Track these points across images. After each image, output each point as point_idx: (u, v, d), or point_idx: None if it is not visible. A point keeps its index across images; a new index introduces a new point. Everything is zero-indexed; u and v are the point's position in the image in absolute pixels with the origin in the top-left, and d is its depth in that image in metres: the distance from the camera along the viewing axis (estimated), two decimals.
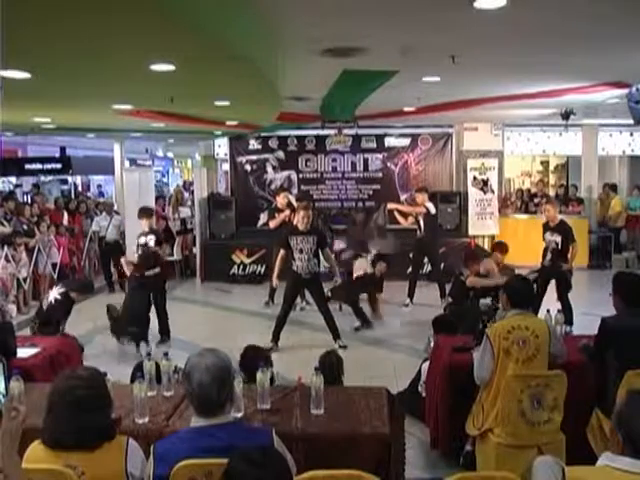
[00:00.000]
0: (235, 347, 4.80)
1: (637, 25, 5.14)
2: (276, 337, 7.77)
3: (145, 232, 8.40)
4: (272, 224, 10.16)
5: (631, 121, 8.33)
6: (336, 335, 7.85)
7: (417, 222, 10.14)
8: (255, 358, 4.27)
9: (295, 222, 8.06)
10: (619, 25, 5.16)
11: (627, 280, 4.39)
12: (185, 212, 14.00)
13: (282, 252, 7.90)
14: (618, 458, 2.25)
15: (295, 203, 10.38)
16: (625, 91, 8.05)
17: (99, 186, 24.06)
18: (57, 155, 17.85)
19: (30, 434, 2.69)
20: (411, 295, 10.11)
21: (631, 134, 15.51)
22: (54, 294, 7.46)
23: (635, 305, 4.20)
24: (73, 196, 18.59)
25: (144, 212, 8.65)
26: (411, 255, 10.59)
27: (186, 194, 17.03)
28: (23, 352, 4.94)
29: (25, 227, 10.83)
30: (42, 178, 18.79)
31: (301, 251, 7.67)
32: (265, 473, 2.11)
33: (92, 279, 10.66)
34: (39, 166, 16.53)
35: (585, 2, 4.50)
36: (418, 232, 10.16)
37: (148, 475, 2.52)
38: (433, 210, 10.08)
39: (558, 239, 8.05)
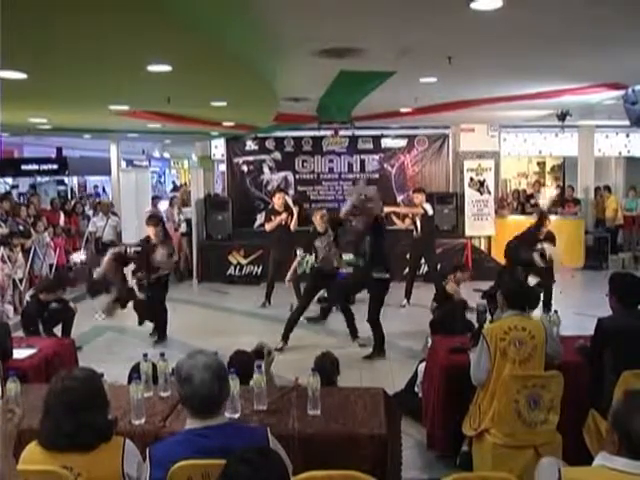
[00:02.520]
0: (232, 348, 4.79)
1: (634, 27, 5.15)
2: (286, 337, 7.90)
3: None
4: (268, 227, 10.15)
5: (627, 122, 8.34)
6: (354, 334, 8.04)
7: (414, 223, 10.15)
8: (244, 363, 4.21)
9: (315, 225, 8.24)
10: (616, 27, 5.17)
11: (623, 281, 4.40)
12: (188, 214, 13.76)
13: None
14: (614, 458, 2.25)
15: (292, 204, 10.40)
16: (621, 92, 8.06)
17: (95, 187, 24.02)
18: (53, 156, 17.82)
19: (27, 435, 2.69)
20: (408, 296, 10.12)
21: (627, 135, 15.53)
22: (26, 297, 7.54)
23: (631, 305, 4.22)
24: (69, 197, 18.56)
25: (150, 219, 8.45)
26: (408, 256, 10.59)
27: None
28: (19, 353, 4.94)
29: (21, 228, 10.81)
30: (38, 179, 18.77)
31: (325, 248, 8.02)
32: (263, 475, 2.11)
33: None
34: (35, 167, 16.51)
35: (582, 4, 4.51)
36: (415, 233, 10.17)
37: (145, 478, 2.51)
38: (430, 211, 10.09)
39: (547, 245, 8.86)
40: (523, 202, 14.83)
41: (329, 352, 5.34)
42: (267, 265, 10.79)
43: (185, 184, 21.02)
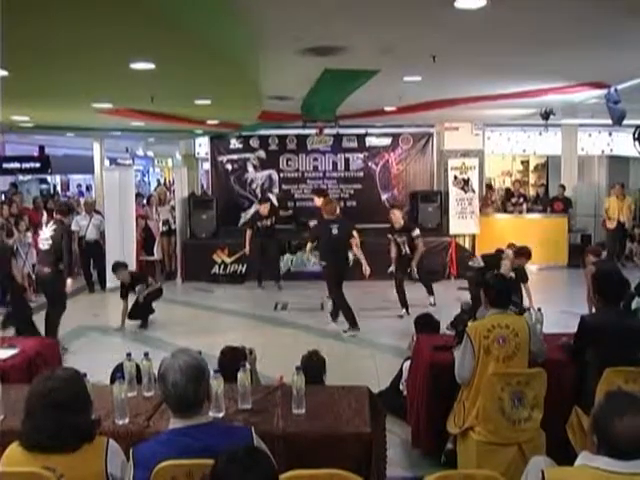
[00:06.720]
0: (217, 346, 4.78)
1: (615, 26, 5.19)
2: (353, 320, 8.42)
3: None
4: (247, 249, 10.71)
5: (610, 121, 8.40)
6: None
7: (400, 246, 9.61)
8: (234, 359, 4.23)
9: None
10: (598, 26, 5.20)
11: (606, 278, 4.43)
12: (164, 213, 13.61)
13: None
14: (596, 458, 2.26)
15: (276, 203, 10.56)
16: (604, 91, 8.12)
17: (79, 185, 23.86)
18: (36, 154, 17.66)
19: (9, 436, 2.66)
20: (404, 304, 9.43)
21: (610, 134, 15.63)
22: None
23: (614, 302, 4.25)
24: (52, 195, 18.39)
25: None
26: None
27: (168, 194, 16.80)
28: (1, 353, 4.89)
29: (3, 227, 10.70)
30: (20, 177, 18.60)
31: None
32: (253, 474, 2.10)
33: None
34: (17, 165, 16.34)
35: (564, 3, 4.54)
36: (402, 250, 9.56)
37: (129, 479, 2.49)
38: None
39: None
40: (505, 201, 14.89)
41: (316, 351, 5.32)
42: (251, 264, 10.92)
43: (164, 183, 20.84)
